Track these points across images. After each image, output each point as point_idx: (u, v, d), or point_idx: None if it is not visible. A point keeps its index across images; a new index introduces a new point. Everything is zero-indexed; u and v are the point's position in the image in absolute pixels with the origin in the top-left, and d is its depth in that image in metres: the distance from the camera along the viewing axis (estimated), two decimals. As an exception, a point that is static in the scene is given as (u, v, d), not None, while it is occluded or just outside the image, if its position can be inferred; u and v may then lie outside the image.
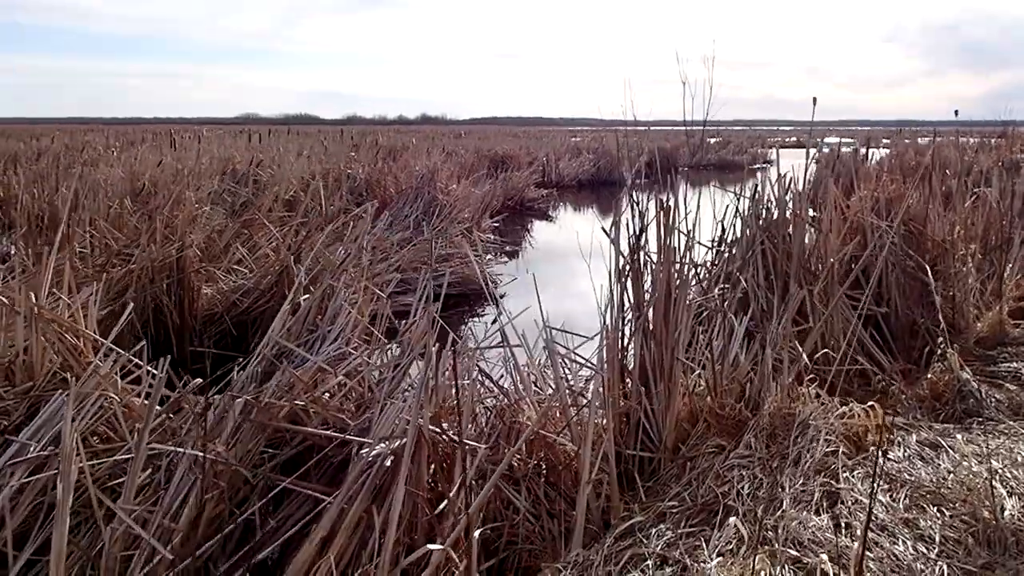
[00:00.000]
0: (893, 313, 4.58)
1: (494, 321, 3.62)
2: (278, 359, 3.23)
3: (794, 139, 45.33)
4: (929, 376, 3.48)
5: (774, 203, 4.25)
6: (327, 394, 3.12)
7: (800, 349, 3.14)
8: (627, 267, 3.03)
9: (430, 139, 25.30)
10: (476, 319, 7.11)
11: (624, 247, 3.07)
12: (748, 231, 4.16)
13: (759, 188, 4.29)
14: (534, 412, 3.09)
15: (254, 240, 6.73)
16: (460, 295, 7.73)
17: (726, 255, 4.21)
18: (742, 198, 4.32)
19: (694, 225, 3.29)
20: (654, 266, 3.01)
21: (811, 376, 3.68)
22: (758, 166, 28.56)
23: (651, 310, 2.99)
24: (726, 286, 3.92)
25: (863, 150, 20.77)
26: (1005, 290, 4.63)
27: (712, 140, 38.22)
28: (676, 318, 2.98)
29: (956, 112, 6.00)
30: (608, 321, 3.00)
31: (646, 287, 3.03)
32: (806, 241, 4.39)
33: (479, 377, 3.33)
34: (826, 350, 3.53)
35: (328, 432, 2.79)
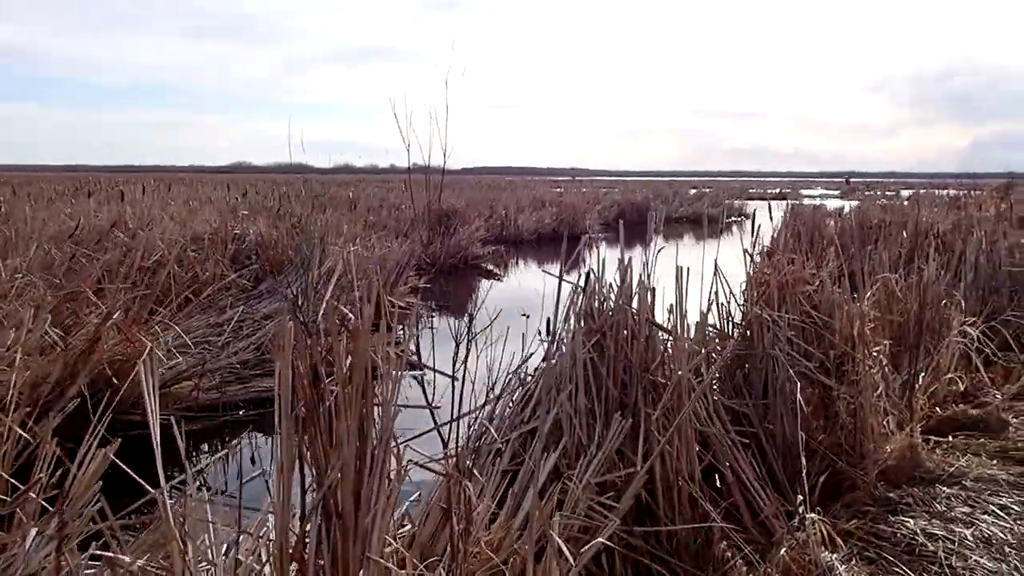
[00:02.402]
0: (779, 433, 3.59)
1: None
2: None
3: (777, 190, 44.88)
4: (783, 553, 2.49)
5: (615, 293, 3.28)
6: None
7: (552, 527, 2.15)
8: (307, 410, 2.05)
9: (386, 190, 24.47)
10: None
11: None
12: (572, 334, 3.18)
13: (594, 273, 3.32)
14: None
15: (79, 317, 5.75)
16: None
17: (551, 366, 3.22)
18: (577, 288, 3.34)
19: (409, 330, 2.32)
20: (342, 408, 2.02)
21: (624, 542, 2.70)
22: (733, 219, 27.80)
23: (340, 479, 2.00)
24: (471, 439, 2.92)
25: (828, 205, 19.98)
26: (916, 404, 3.65)
27: (692, 191, 37.62)
28: (371, 492, 2.00)
29: (847, 180, 5.05)
30: (276, 493, 2.02)
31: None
32: (662, 342, 3.42)
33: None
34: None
35: None
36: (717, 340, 4.06)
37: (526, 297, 3.65)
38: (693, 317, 4.06)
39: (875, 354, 4.04)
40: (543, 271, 3.41)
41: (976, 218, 8.19)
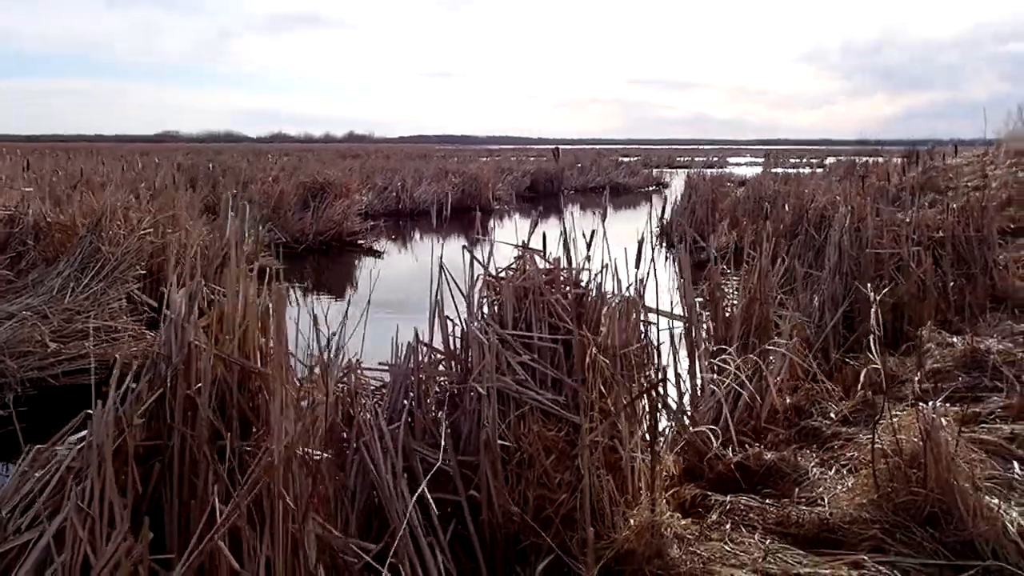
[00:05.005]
0: (486, 502, 2.60)
1: None
2: None
3: (703, 159, 44.29)
4: None
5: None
6: None
7: None
8: None
9: (296, 159, 22.99)
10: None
11: None
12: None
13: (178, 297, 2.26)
14: None
15: None
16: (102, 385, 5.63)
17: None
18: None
19: None
20: None
21: None
22: (651, 188, 26.96)
23: None
24: None
25: (745, 173, 19.21)
26: (660, 464, 2.67)
27: (627, 160, 36.68)
28: None
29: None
30: None
31: None
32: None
33: None
34: None
35: None
36: (441, 369, 3.06)
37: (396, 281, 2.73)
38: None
39: (648, 378, 3.07)
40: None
41: (846, 192, 7.31)
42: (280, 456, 1.99)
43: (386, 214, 17.34)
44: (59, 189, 8.83)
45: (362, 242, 13.52)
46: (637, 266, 3.07)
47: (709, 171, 15.72)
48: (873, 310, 2.82)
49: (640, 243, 3.09)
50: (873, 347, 2.92)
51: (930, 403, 2.42)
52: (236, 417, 2.13)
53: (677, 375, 4.05)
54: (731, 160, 44.21)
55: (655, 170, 30.96)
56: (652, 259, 3.42)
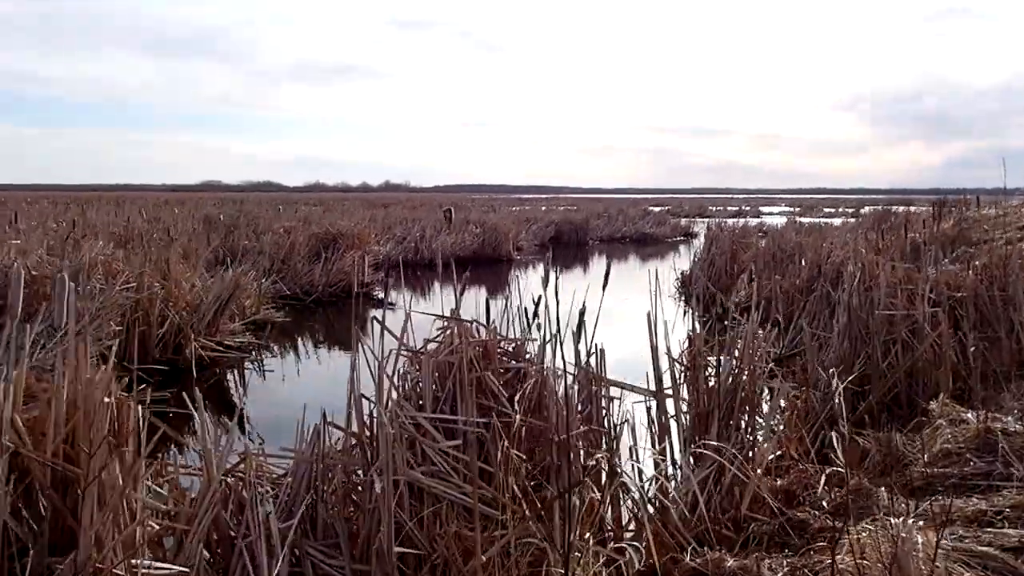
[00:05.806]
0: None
1: None
2: None
3: (735, 208, 43.87)
4: None
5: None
6: None
7: None
8: None
9: (323, 208, 22.95)
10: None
11: None
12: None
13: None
14: None
15: None
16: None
17: None
18: None
19: None
20: None
21: None
22: (679, 239, 26.53)
23: None
24: None
25: (775, 223, 18.70)
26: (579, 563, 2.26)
27: (657, 209, 36.37)
28: None
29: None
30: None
31: None
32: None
33: None
34: None
35: None
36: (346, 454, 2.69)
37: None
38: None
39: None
40: None
41: (858, 246, 6.86)
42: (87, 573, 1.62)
43: (406, 264, 17.09)
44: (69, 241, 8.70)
45: (376, 294, 13.27)
46: (577, 336, 2.68)
47: (731, 221, 15.27)
48: (838, 397, 2.38)
49: (582, 313, 2.70)
50: (839, 450, 2.49)
51: (901, 518, 1.99)
52: (49, 527, 1.77)
53: (658, 455, 3.64)
54: (764, 209, 43.70)
55: (684, 220, 30.55)
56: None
